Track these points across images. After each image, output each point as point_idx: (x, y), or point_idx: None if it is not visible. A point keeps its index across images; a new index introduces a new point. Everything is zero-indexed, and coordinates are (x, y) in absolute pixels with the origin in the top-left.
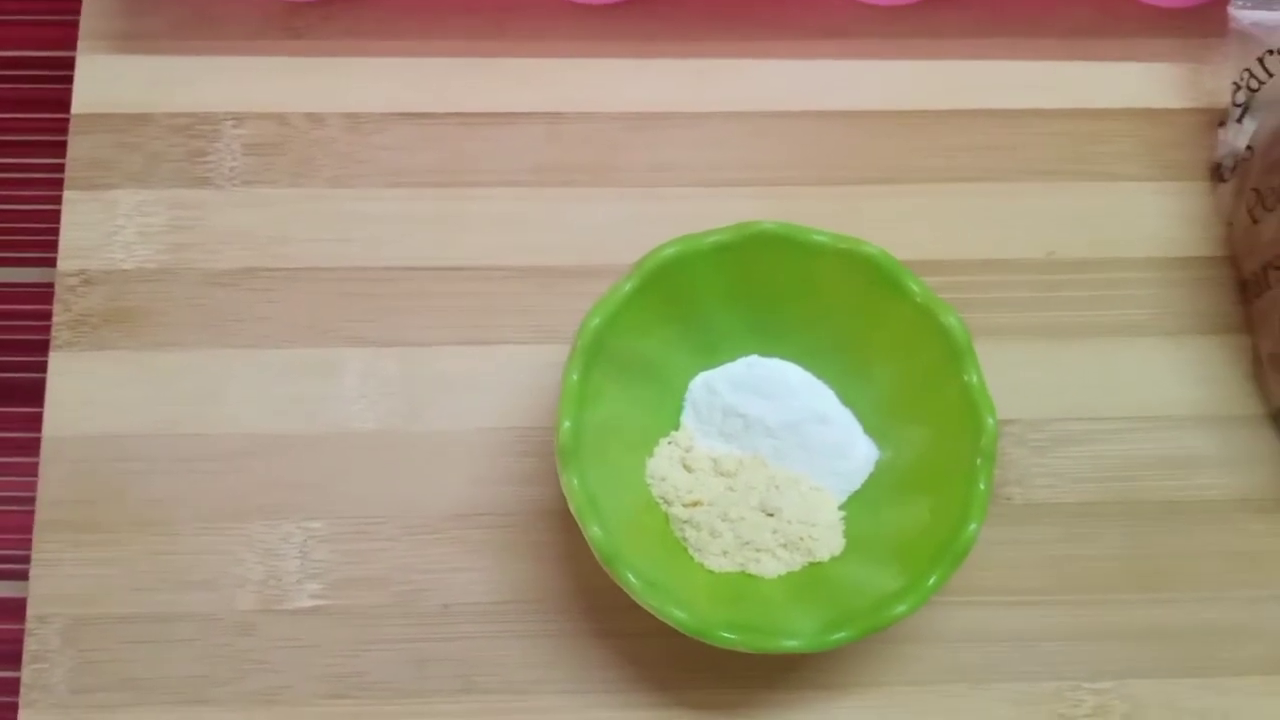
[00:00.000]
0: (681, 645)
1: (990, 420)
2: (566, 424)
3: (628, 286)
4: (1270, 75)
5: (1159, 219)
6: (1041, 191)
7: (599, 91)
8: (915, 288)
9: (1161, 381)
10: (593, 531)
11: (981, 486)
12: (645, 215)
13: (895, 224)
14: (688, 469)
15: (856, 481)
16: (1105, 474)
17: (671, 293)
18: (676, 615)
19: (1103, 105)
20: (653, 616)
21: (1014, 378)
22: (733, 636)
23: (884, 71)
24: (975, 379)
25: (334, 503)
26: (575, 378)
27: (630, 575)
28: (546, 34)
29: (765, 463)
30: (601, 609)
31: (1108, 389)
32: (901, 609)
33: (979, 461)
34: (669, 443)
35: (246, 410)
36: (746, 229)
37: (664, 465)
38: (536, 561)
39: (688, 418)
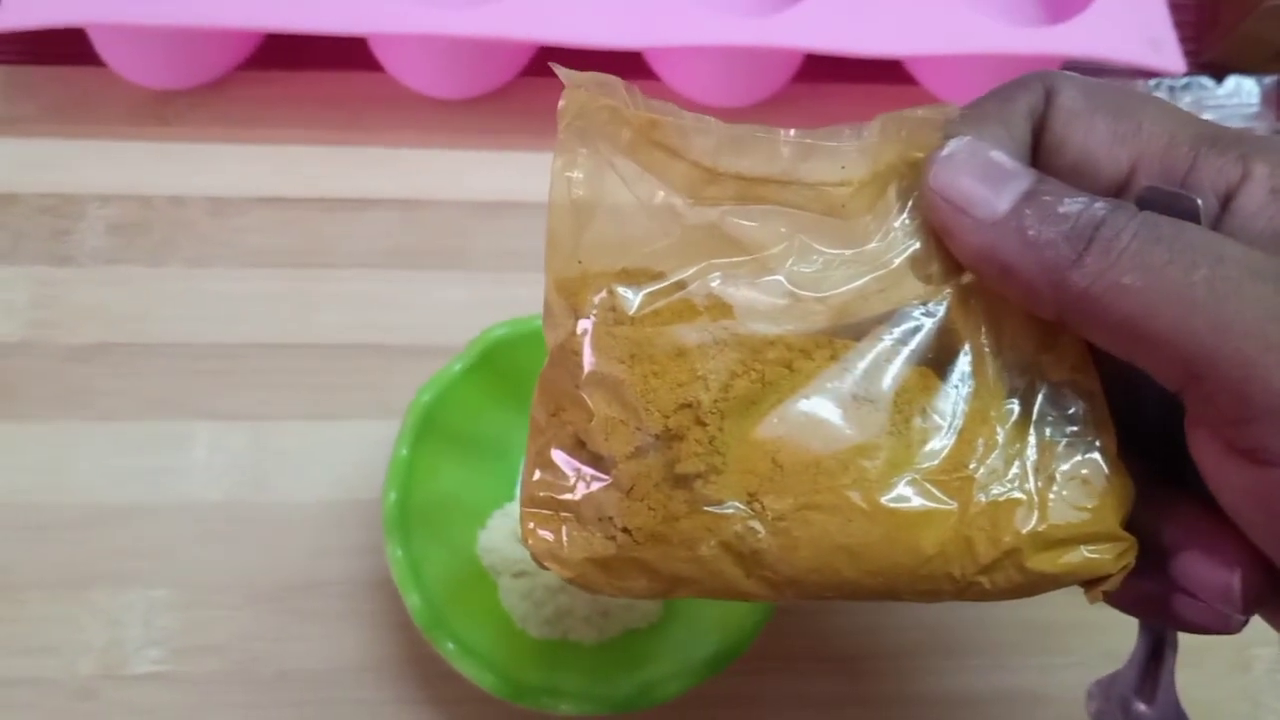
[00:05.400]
0: (508, 711)
1: None
2: (392, 496)
3: (458, 366)
4: None
5: None
6: None
7: (452, 180)
8: None
9: None
10: (412, 600)
11: None
12: (490, 299)
13: None
14: (519, 540)
15: None
16: None
17: (505, 372)
18: (489, 680)
19: None
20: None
21: None
22: (548, 700)
23: None
24: None
25: (178, 571)
26: (404, 452)
27: (448, 643)
28: (405, 125)
29: None
30: (432, 676)
31: None
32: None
33: None
34: (502, 514)
35: (95, 481)
36: None
37: (495, 537)
38: (371, 629)
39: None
